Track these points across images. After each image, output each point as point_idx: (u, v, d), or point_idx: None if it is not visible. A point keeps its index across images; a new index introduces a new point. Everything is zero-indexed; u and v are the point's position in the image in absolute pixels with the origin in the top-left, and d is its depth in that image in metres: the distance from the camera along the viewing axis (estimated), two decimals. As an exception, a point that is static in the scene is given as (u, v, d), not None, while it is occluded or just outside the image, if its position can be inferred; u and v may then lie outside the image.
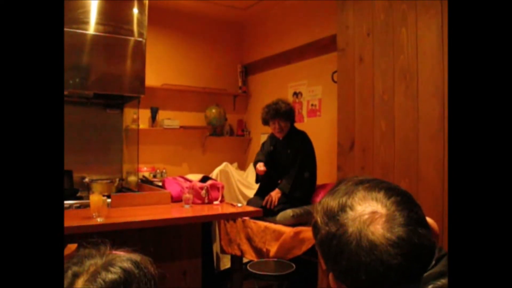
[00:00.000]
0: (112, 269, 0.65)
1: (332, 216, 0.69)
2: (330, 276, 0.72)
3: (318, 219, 0.71)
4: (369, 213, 0.66)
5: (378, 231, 0.64)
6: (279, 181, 3.13)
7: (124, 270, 0.66)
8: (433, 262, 0.65)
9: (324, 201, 0.73)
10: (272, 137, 3.29)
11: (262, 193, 3.13)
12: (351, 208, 0.68)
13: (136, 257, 0.70)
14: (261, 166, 3.07)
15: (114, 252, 0.70)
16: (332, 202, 0.71)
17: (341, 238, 0.66)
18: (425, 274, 0.64)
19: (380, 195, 0.68)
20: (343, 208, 0.68)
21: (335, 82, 3.20)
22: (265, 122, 3.17)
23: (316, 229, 0.72)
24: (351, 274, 0.65)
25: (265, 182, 3.20)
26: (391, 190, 0.69)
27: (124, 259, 0.68)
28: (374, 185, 0.71)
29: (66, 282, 0.65)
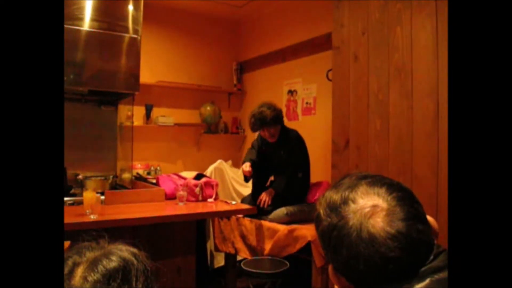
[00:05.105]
0: (112, 257, 0.68)
1: (334, 208, 0.71)
2: (330, 267, 0.75)
3: (321, 211, 0.74)
4: (370, 207, 0.68)
5: (378, 224, 0.66)
6: (270, 178, 3.11)
7: (124, 259, 0.69)
8: (432, 257, 0.68)
9: (328, 194, 0.75)
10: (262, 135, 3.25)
11: (257, 192, 3.07)
12: (353, 201, 0.70)
13: (133, 249, 0.73)
14: (247, 167, 2.96)
15: (112, 245, 0.74)
16: (335, 195, 0.73)
17: (341, 229, 0.68)
18: (424, 268, 0.66)
19: (382, 191, 0.71)
20: (345, 201, 0.71)
21: (330, 80, 3.21)
22: (254, 131, 3.06)
23: (318, 221, 0.74)
24: (350, 264, 0.68)
25: (260, 182, 3.17)
26: (392, 186, 0.72)
27: (123, 249, 0.72)
28: (377, 180, 0.73)
29: (66, 269, 0.68)
